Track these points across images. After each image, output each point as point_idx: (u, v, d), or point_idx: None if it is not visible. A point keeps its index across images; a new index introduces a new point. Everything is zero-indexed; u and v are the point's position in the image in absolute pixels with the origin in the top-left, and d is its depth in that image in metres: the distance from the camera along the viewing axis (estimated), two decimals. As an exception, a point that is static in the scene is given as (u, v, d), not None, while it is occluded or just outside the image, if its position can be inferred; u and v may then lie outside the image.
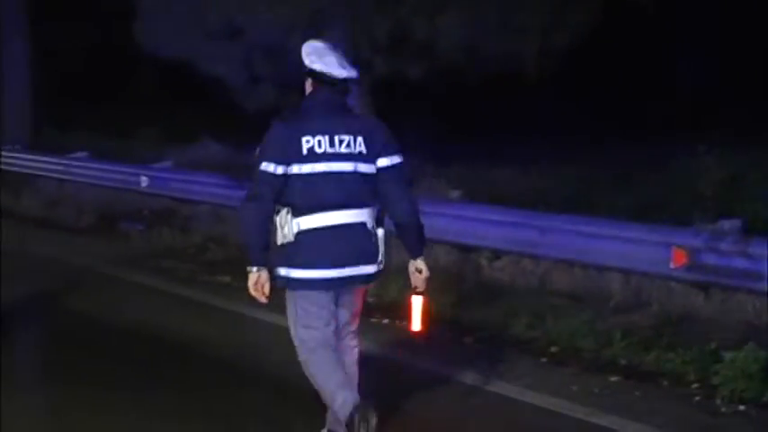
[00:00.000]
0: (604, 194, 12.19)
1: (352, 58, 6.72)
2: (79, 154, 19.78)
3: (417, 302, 6.36)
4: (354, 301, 6.38)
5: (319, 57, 6.24)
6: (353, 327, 6.45)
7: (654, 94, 19.21)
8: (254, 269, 6.08)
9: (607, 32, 15.73)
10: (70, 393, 7.78)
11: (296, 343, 6.30)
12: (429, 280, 6.34)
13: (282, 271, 6.17)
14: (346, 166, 6.11)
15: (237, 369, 8.45)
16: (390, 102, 15.00)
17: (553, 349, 8.90)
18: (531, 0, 14.29)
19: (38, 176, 20.35)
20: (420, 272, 6.32)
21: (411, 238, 6.35)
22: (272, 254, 6.12)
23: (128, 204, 16.92)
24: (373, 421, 6.00)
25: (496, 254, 11.14)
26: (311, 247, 6.10)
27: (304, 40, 6.37)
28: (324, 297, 6.20)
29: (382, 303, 10.14)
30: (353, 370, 6.43)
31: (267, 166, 6.05)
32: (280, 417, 7.25)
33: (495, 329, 9.52)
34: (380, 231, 6.29)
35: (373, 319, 9.64)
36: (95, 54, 28.26)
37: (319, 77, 6.23)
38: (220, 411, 7.38)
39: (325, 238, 6.09)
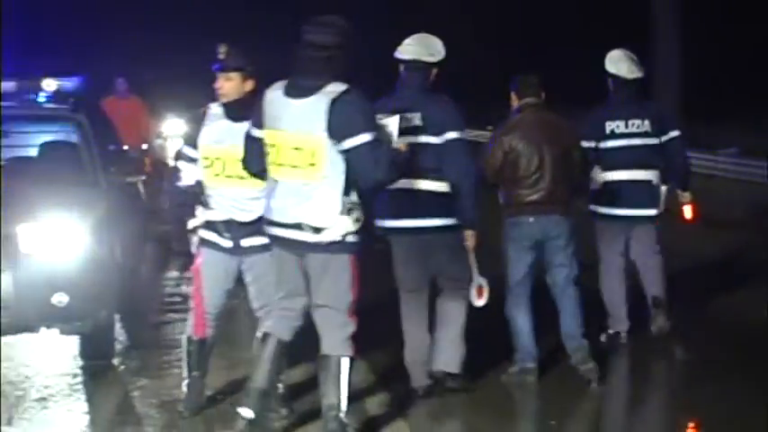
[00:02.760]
0: None
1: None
2: (730, 150, 19.64)
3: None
4: (645, 234, 8.90)
5: (614, 63, 8.76)
6: (655, 249, 8.97)
7: None
8: None
9: None
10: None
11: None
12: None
13: (592, 207, 8.92)
14: (636, 141, 8.77)
15: None
16: None
17: None
18: None
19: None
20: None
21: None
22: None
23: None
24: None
25: None
26: (611, 193, 8.79)
27: None
28: (617, 229, 8.89)
29: None
30: (657, 274, 9.03)
31: (585, 143, 8.49)
32: None
33: None
34: (663, 188, 8.88)
35: None
36: (748, 51, 28.63)
37: (614, 78, 8.79)
38: None
39: (621, 188, 8.77)
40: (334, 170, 6.33)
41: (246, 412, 6.59)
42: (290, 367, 7.08)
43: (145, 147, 15.38)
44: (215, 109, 7.04)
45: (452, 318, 7.67)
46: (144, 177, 10.54)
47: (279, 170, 6.42)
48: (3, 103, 9.72)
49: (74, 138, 9.40)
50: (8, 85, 9.91)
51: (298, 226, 6.39)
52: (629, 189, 8.76)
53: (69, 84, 9.98)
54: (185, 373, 7.31)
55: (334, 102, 6.28)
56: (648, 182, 8.82)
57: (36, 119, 9.97)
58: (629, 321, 8.95)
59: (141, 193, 11.03)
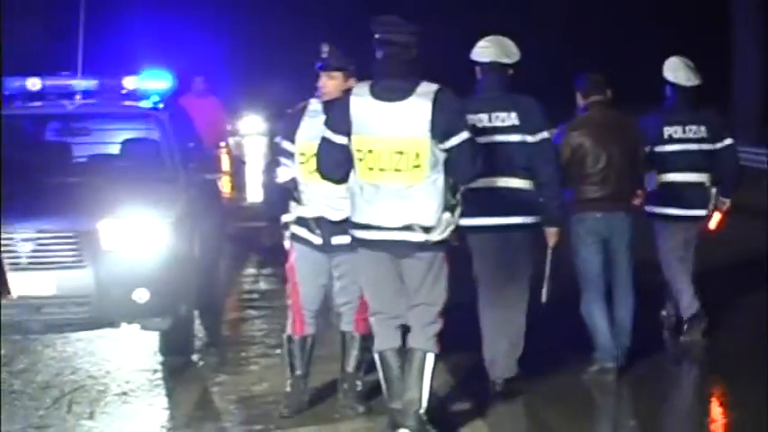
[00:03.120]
0: None
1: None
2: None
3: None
4: (696, 236, 9.14)
5: (672, 71, 8.99)
6: (692, 245, 9.14)
7: None
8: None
9: None
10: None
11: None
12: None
13: (648, 208, 8.99)
14: (692, 146, 9.00)
15: None
16: None
17: None
18: None
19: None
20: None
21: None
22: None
23: None
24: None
25: None
26: (668, 194, 8.97)
27: None
28: (677, 227, 9.05)
29: None
30: (688, 266, 9.09)
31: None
32: None
33: None
34: (713, 189, 9.10)
35: None
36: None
37: (672, 85, 8.99)
38: None
39: (676, 189, 8.97)
40: (435, 170, 6.36)
41: (404, 430, 6.55)
42: (372, 368, 7.06)
43: (222, 145, 15.46)
44: (314, 105, 7.06)
45: (517, 323, 7.69)
46: (222, 174, 10.61)
47: (380, 175, 6.36)
48: (85, 101, 9.88)
49: (155, 135, 9.49)
50: (90, 84, 10.01)
51: (408, 227, 6.39)
52: (684, 190, 9.02)
53: (151, 82, 10.02)
54: (287, 373, 7.33)
55: (435, 102, 6.31)
56: (702, 184, 9.10)
57: (118, 116, 10.08)
58: (698, 303, 9.06)
59: (220, 190, 11.11)
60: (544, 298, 7.78)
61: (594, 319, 8.06)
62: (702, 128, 9.05)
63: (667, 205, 9.02)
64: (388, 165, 6.33)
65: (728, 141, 9.20)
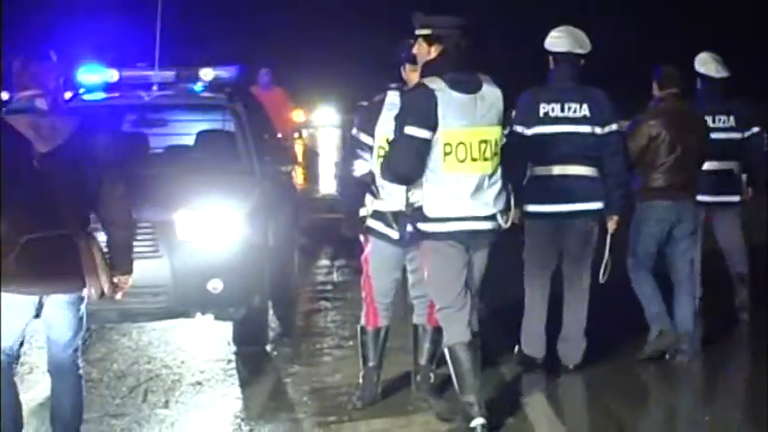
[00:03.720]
0: None
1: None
2: None
3: None
4: (729, 219, 9.46)
5: (703, 64, 9.33)
6: (738, 232, 9.50)
7: None
8: None
9: None
10: None
11: None
12: None
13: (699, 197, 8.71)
14: (720, 135, 9.11)
15: None
16: None
17: None
18: None
19: None
20: None
21: None
22: None
23: None
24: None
25: None
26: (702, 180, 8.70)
27: None
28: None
29: None
30: (741, 255, 9.49)
31: None
32: None
33: None
34: (744, 176, 9.42)
35: None
36: None
37: (702, 77, 9.31)
38: None
39: (705, 177, 8.67)
40: (500, 157, 6.51)
41: (479, 420, 6.51)
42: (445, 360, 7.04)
43: (296, 136, 15.51)
44: (392, 98, 7.01)
45: (582, 309, 7.90)
46: (296, 166, 10.65)
47: (471, 166, 6.40)
48: (161, 93, 9.94)
49: (230, 126, 9.54)
50: (166, 75, 10.07)
51: (493, 217, 6.52)
52: (713, 178, 9.15)
53: (226, 73, 10.05)
54: (360, 364, 7.34)
55: (503, 90, 6.50)
56: (730, 171, 9.40)
57: (193, 108, 10.15)
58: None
59: (294, 182, 11.15)
60: (602, 279, 7.91)
61: (644, 288, 8.21)
62: (731, 117, 9.36)
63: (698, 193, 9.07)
64: (478, 155, 6.41)
65: (755, 130, 9.48)
